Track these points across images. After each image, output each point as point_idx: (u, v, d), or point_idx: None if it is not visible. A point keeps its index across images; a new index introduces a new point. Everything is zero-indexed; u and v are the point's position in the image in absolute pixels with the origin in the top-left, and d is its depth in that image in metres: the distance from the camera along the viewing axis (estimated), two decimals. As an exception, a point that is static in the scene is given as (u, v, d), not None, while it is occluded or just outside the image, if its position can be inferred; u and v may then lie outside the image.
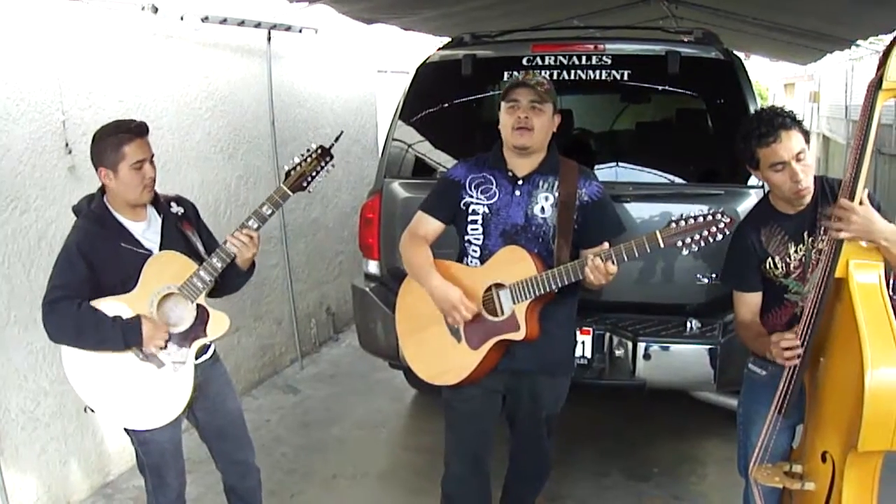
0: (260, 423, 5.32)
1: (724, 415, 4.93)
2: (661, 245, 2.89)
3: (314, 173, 3.19)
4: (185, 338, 3.16)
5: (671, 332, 4.19)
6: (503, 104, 3.25)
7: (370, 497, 4.56)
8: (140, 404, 3.14)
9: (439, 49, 4.96)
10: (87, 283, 3.08)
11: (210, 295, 3.30)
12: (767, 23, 7.98)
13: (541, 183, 3.28)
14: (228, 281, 3.31)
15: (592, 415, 5.25)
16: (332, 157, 3.22)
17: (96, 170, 3.11)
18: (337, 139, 3.28)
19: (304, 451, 5.04)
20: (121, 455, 4.60)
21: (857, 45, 8.99)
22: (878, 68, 2.61)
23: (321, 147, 3.21)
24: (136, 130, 3.10)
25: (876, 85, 2.61)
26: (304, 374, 6.38)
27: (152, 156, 3.14)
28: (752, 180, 4.22)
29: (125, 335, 3.05)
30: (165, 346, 3.12)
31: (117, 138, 3.06)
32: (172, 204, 3.34)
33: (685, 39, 4.88)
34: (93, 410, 3.19)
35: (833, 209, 2.68)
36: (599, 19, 8.23)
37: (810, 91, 17.36)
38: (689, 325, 4.18)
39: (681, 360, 4.16)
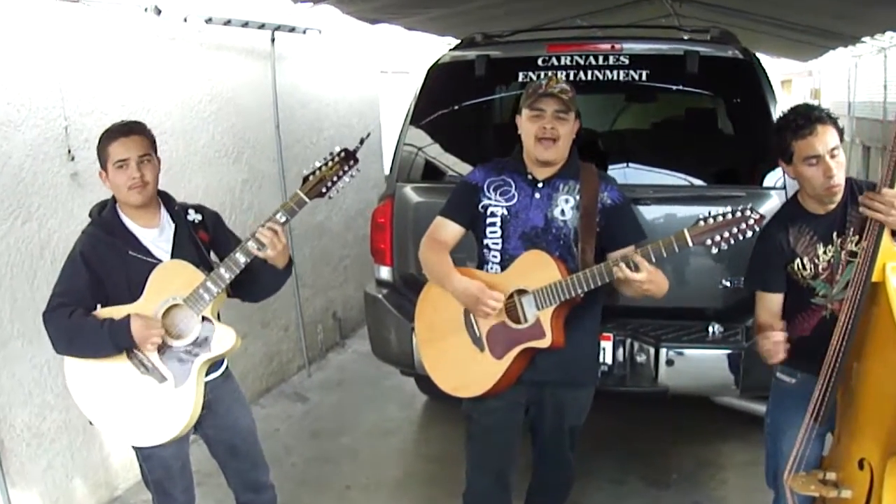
0: (269, 432, 5.21)
1: (743, 419, 4.88)
2: (690, 244, 2.80)
3: (335, 178, 2.98)
4: (189, 351, 3.03)
5: (693, 337, 4.10)
6: (526, 111, 3.16)
7: (386, 508, 4.49)
8: (141, 420, 3.04)
9: (451, 50, 4.87)
10: (89, 292, 3.00)
11: (248, 298, 3.25)
12: (772, 20, 7.93)
13: (561, 186, 3.21)
14: (266, 281, 3.18)
15: (609, 420, 5.13)
16: (356, 161, 3.02)
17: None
18: (362, 142, 3.07)
19: (314, 461, 4.95)
20: (128, 469, 4.50)
21: (863, 42, 8.93)
22: None
23: (345, 150, 3.01)
24: (121, 130, 3.03)
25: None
26: (311, 381, 6.29)
27: (144, 155, 3.01)
28: (769, 181, 4.15)
29: (113, 337, 2.92)
30: (163, 350, 3.00)
31: (106, 139, 3.01)
32: (190, 211, 3.23)
33: (686, 37, 4.82)
34: (93, 424, 3.11)
35: (877, 195, 2.64)
36: (603, 18, 8.16)
37: (811, 88, 17.31)
38: (711, 329, 4.10)
39: (704, 365, 4.08)
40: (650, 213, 4.12)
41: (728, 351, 4.04)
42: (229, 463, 3.38)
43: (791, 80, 22.25)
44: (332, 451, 5.08)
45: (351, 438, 5.26)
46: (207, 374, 3.12)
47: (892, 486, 2.62)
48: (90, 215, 3.13)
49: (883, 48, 9.64)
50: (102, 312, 3.00)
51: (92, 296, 3.01)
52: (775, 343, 2.86)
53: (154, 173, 3.06)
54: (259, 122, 5.76)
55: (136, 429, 3.05)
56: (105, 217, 3.07)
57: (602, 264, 2.96)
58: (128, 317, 2.94)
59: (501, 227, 3.23)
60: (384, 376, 6.02)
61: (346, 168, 2.99)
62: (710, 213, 2.78)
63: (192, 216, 3.22)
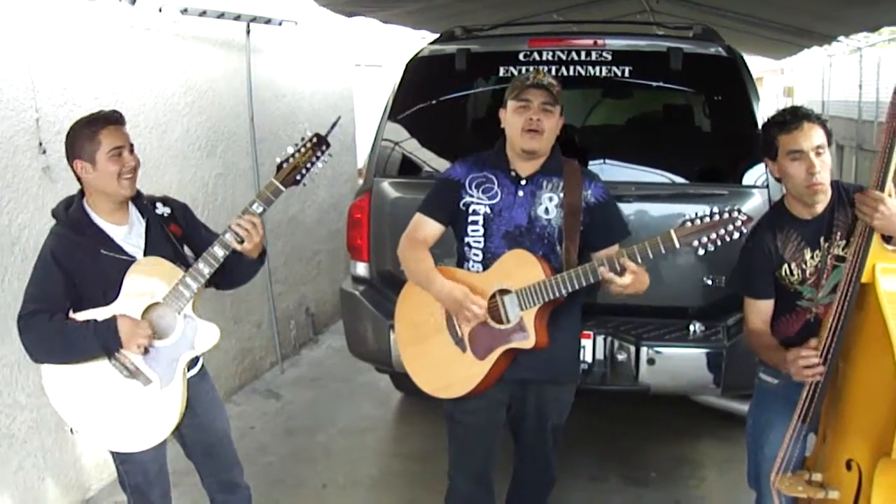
0: (243, 430, 5.14)
1: (719, 416, 4.89)
2: (677, 245, 2.76)
3: (309, 165, 2.93)
4: (173, 351, 2.95)
5: (674, 336, 4.08)
6: (511, 103, 3.09)
7: (364, 507, 4.44)
8: (126, 425, 2.95)
9: (430, 43, 4.80)
10: (64, 294, 2.89)
11: (221, 287, 3.16)
12: (748, 17, 7.94)
13: (544, 184, 3.15)
14: (240, 271, 3.11)
15: (586, 418, 5.08)
16: (328, 146, 2.96)
17: (71, 165, 2.91)
18: (334, 125, 3.02)
19: (290, 459, 4.87)
20: (101, 470, 4.41)
21: (838, 41, 8.97)
22: None
23: (317, 135, 2.95)
24: (110, 118, 2.91)
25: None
26: (285, 377, 6.20)
27: (132, 145, 2.94)
28: (751, 179, 4.14)
29: (100, 338, 2.83)
30: (147, 351, 2.90)
31: (92, 127, 2.87)
32: (158, 204, 3.12)
33: (667, 33, 4.79)
34: (77, 432, 3.00)
35: (864, 196, 2.63)
36: (579, 13, 8.13)
37: (784, 86, 17.36)
38: (692, 328, 4.08)
39: (685, 364, 4.05)
40: (632, 210, 4.09)
41: (709, 350, 4.01)
42: (204, 463, 3.30)
43: (762, 78, 22.37)
44: (308, 449, 5.00)
45: (326, 436, 5.19)
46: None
47: (882, 487, 2.62)
48: (54, 215, 3.01)
49: (858, 48, 9.71)
50: (78, 317, 2.89)
51: (67, 299, 2.90)
52: (811, 366, 2.71)
53: (138, 163, 2.99)
54: (233, 115, 5.67)
55: (124, 434, 2.97)
56: (73, 215, 2.95)
57: (587, 265, 2.92)
58: (114, 317, 2.86)
59: (484, 226, 3.17)
60: (358, 372, 5.94)
61: (318, 154, 2.95)
62: (696, 214, 2.75)
63: (161, 209, 3.12)
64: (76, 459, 4.29)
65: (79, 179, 2.95)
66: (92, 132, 2.87)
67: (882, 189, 2.60)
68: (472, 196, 3.19)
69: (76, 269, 2.89)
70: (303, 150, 2.93)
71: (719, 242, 2.73)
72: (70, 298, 2.91)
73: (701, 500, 4.41)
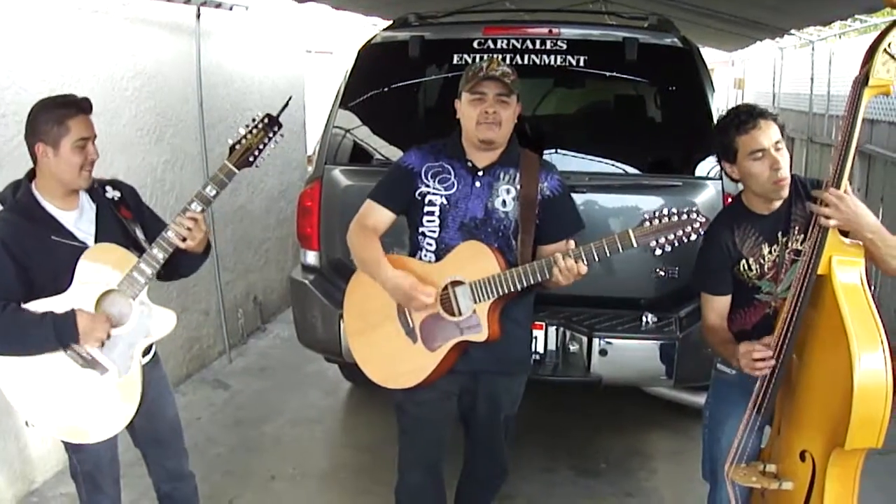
0: (190, 420, 5.03)
1: (671, 407, 4.89)
2: (635, 244, 2.76)
3: (261, 146, 2.89)
4: (129, 338, 2.88)
5: (627, 327, 4.07)
6: (466, 95, 3.05)
7: (313, 499, 4.37)
8: (84, 415, 2.88)
9: (384, 30, 4.74)
10: (17, 282, 2.79)
11: (165, 278, 3.10)
12: (700, 9, 7.97)
13: (502, 175, 3.11)
14: (184, 265, 3.07)
15: (537, 409, 5.07)
16: (280, 127, 2.93)
17: (32, 146, 2.81)
18: (285, 106, 2.97)
19: (239, 450, 4.80)
20: (46, 461, 4.31)
21: (790, 34, 9.04)
22: (863, 65, 2.58)
23: (268, 115, 2.91)
24: (83, 106, 2.84)
25: (861, 81, 2.57)
26: (233, 367, 6.12)
27: (95, 136, 2.87)
28: (701, 170, 4.15)
29: (58, 332, 2.76)
30: (107, 340, 2.83)
31: (62, 111, 2.78)
32: (108, 188, 3.04)
33: (623, 23, 4.78)
34: (33, 425, 2.93)
35: (822, 195, 2.60)
36: (531, 1, 8.09)
37: (735, 77, 17.45)
38: (644, 319, 4.07)
39: (637, 356, 4.05)
40: (585, 200, 4.06)
41: (662, 341, 4.01)
42: (152, 452, 3.25)
43: (713, 70, 22.55)
44: (256, 440, 4.95)
45: (275, 427, 5.14)
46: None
47: (836, 477, 2.64)
48: (1, 199, 2.92)
49: (810, 41, 9.79)
50: (32, 307, 2.80)
51: (20, 286, 2.81)
52: (759, 360, 2.72)
53: (97, 156, 2.91)
54: (182, 100, 5.57)
55: (83, 425, 2.90)
56: (22, 200, 2.86)
57: (543, 260, 2.90)
58: (72, 311, 2.78)
59: (440, 217, 3.12)
60: (306, 362, 5.89)
61: (270, 134, 2.92)
62: (655, 214, 2.75)
63: (111, 193, 3.05)
64: (20, 451, 4.18)
65: (34, 160, 2.86)
66: (61, 116, 2.78)
67: (839, 184, 2.59)
68: (428, 186, 3.14)
69: (26, 256, 2.81)
70: (255, 131, 2.90)
71: (676, 244, 2.74)
72: (24, 286, 2.82)
73: (652, 491, 4.42)
